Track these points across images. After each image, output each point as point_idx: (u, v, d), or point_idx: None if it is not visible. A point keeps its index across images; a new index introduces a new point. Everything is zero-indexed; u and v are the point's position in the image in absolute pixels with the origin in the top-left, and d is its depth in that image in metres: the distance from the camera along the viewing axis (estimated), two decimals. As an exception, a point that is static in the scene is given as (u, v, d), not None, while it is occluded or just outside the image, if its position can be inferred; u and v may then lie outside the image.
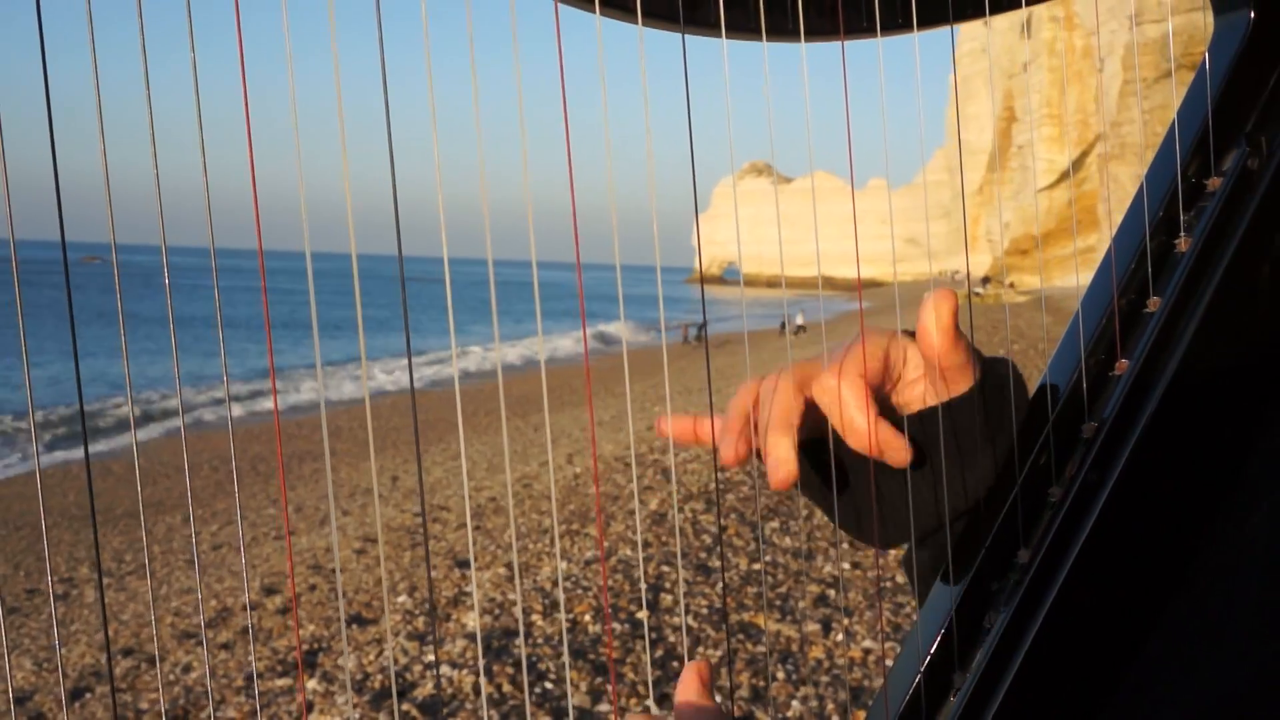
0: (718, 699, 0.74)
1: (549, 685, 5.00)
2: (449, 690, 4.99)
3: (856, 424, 0.75)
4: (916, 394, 0.80)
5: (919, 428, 0.78)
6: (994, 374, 0.80)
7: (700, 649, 5.41)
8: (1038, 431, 0.79)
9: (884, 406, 0.79)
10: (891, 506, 0.80)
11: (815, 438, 0.79)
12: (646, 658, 5.35)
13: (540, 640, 5.52)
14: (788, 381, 0.77)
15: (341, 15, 0.57)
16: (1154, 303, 0.80)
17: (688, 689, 0.73)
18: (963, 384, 0.78)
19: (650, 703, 4.70)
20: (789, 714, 4.67)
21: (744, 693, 4.87)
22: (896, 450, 0.76)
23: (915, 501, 0.79)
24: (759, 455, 0.78)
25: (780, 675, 5.01)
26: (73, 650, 6.97)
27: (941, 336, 0.76)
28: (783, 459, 0.74)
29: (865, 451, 0.77)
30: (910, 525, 0.79)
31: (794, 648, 5.30)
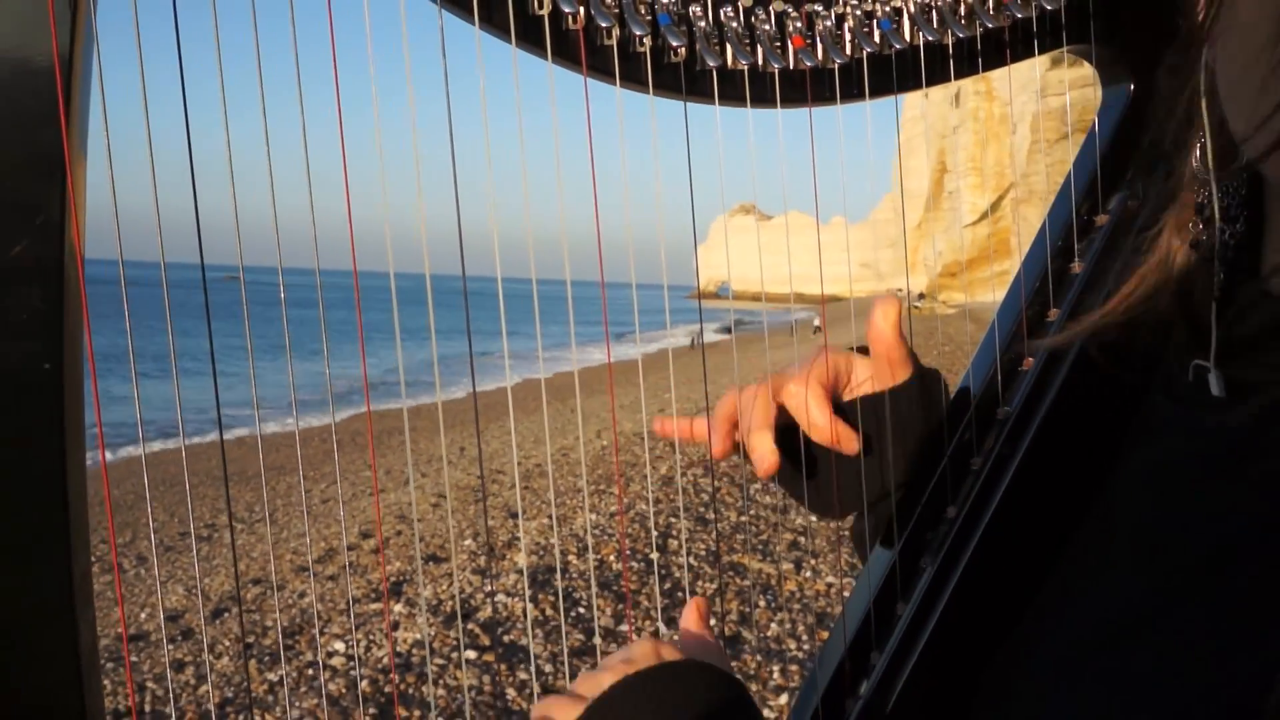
0: (712, 623, 0.74)
1: (581, 610, 5.00)
2: (504, 614, 5.00)
3: (818, 422, 0.76)
4: (864, 392, 0.80)
5: (869, 410, 0.78)
6: (929, 374, 0.80)
7: (699, 583, 5.40)
8: (963, 413, 0.79)
9: (838, 406, 0.79)
10: (847, 484, 0.80)
11: (786, 426, 0.78)
12: (657, 589, 5.34)
13: (575, 575, 5.53)
14: (765, 390, 0.77)
15: (419, 88, 0.57)
16: (1054, 313, 0.79)
17: (689, 620, 0.72)
18: (904, 373, 0.78)
19: (660, 624, 4.69)
20: (769, 634, 4.65)
21: (733, 617, 4.86)
22: (849, 441, 0.76)
23: (865, 476, 0.79)
24: (739, 450, 0.78)
25: (761, 604, 5.00)
26: (214, 580, 7.01)
27: (889, 330, 0.76)
28: (764, 454, 0.74)
29: (825, 443, 0.77)
30: (863, 496, 0.79)
31: (772, 582, 5.29)
